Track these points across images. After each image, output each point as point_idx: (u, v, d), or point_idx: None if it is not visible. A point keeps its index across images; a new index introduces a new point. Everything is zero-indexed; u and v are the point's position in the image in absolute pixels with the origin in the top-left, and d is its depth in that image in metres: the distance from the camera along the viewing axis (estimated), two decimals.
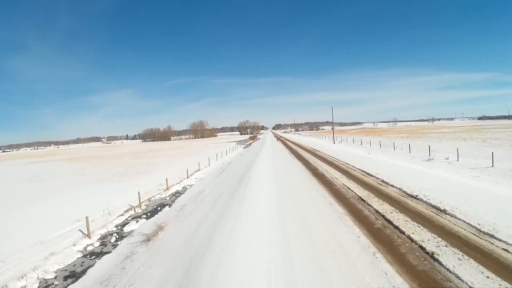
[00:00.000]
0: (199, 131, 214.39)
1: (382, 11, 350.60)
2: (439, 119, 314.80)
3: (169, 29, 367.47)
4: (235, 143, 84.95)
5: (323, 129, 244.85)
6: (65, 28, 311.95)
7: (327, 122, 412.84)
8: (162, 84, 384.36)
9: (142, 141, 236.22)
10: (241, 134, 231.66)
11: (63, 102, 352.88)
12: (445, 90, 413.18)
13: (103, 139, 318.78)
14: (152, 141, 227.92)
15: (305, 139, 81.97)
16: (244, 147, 62.78)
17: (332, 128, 56.81)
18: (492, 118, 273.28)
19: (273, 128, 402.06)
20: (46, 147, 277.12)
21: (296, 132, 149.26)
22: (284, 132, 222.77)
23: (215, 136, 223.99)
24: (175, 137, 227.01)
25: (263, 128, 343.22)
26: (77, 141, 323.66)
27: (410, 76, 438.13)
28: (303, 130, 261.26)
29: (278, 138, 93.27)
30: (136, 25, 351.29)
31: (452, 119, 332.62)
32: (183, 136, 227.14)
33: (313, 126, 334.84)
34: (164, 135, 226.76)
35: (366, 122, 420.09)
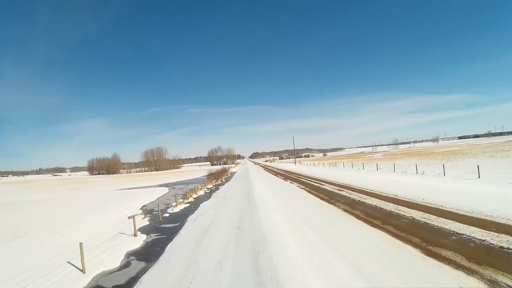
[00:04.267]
0: (154, 162, 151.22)
1: (352, 37, 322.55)
2: (421, 141, 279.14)
3: (144, 58, 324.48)
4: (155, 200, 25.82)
5: (313, 156, 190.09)
6: (41, 55, 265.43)
7: (307, 149, 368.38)
8: (137, 113, 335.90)
9: (89, 174, 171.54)
10: (212, 165, 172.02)
11: (36, 130, 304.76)
12: (418, 113, 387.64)
13: (67, 170, 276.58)
14: (98, 173, 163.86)
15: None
16: None
17: None
18: (470, 137, 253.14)
19: (250, 157, 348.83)
20: None
21: (296, 161, 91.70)
22: (266, 161, 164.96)
23: (178, 167, 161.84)
24: (123, 170, 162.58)
25: (239, 157, 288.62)
26: (39, 171, 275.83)
27: (383, 101, 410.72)
28: (288, 157, 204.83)
29: (286, 178, 34.37)
30: (111, 53, 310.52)
31: (437, 140, 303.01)
32: (132, 170, 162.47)
33: (293, 154, 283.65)
34: (110, 167, 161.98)
35: (347, 148, 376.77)
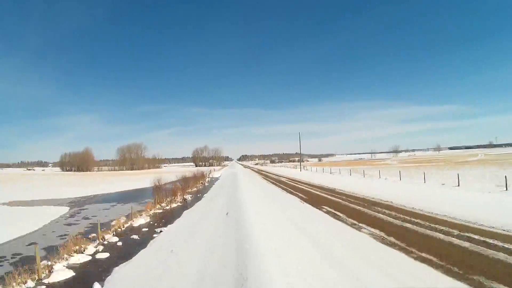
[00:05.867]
0: (130, 160, 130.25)
1: (349, 46, 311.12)
2: (413, 150, 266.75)
3: (137, 54, 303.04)
4: None
5: (307, 161, 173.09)
6: (32, 47, 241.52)
7: (297, 153, 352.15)
8: (127, 110, 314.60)
9: (61, 170, 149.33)
10: (196, 166, 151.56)
11: (24, 122, 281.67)
12: (409, 122, 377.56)
13: (50, 165, 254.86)
14: (70, 170, 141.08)
15: None
16: None
17: None
18: (461, 148, 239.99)
19: (239, 159, 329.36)
20: None
21: (293, 166, 74.15)
22: (256, 164, 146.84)
23: (158, 167, 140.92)
24: (96, 168, 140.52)
25: (227, 159, 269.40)
26: (21, 164, 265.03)
27: (374, 109, 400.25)
28: (279, 161, 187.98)
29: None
30: (104, 49, 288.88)
31: (439, 149, 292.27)
32: (104, 168, 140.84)
33: (283, 158, 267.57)
34: (82, 163, 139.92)
35: (339, 154, 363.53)
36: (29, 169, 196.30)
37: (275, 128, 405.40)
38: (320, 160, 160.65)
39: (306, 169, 53.09)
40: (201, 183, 31.03)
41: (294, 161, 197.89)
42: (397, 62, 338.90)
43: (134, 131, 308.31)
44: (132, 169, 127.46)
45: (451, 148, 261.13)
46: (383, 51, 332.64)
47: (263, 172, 50.01)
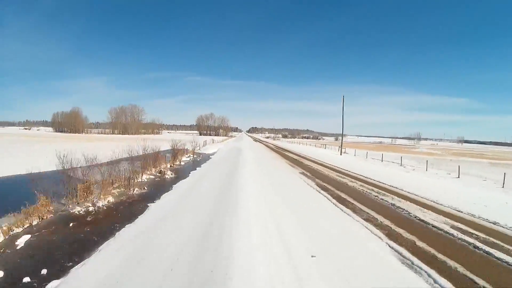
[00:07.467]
0: (122, 124, 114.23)
1: (365, 27, 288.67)
2: (426, 139, 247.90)
3: (148, 21, 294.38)
4: None
5: (323, 139, 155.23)
6: (46, 9, 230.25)
7: (307, 130, 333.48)
8: (136, 76, 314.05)
9: (54, 130, 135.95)
10: (200, 134, 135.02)
11: (34, 82, 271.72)
12: (419, 111, 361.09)
13: None
14: (61, 131, 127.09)
15: None
16: None
17: None
18: (473, 143, 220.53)
19: (248, 131, 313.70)
20: None
21: (325, 145, 56.07)
22: (268, 138, 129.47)
23: (157, 133, 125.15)
24: (86, 130, 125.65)
25: (236, 130, 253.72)
26: (26, 123, 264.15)
27: (384, 94, 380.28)
28: (292, 137, 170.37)
29: None
30: (115, 13, 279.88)
31: (441, 140, 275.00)
32: (93, 130, 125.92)
33: (294, 133, 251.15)
34: (70, 124, 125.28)
35: (350, 135, 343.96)
36: (26, 129, 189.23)
37: (285, 104, 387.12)
38: (336, 140, 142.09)
39: (346, 153, 35.24)
40: (159, 171, 13.72)
41: (308, 137, 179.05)
42: (407, 51, 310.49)
43: (141, 97, 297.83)
44: (124, 133, 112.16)
45: (465, 142, 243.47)
46: (392, 38, 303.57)
47: (288, 155, 30.23)
